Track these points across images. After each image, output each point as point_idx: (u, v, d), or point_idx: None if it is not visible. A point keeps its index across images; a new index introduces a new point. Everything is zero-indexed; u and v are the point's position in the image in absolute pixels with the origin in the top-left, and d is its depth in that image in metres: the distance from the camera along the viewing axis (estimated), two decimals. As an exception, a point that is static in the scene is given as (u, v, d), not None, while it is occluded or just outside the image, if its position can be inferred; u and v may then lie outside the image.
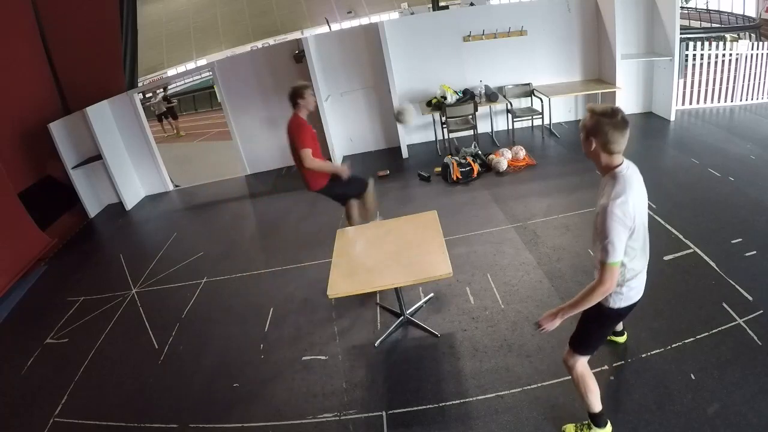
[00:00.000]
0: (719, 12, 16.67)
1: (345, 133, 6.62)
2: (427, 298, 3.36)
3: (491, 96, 5.92)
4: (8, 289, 4.53)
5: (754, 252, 3.23)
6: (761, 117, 5.99)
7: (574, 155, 5.42)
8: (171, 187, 6.85)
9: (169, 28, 24.31)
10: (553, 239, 3.82)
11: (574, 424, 2.21)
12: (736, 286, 2.94)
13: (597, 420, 2.13)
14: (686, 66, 6.43)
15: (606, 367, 2.53)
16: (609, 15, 5.66)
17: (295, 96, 3.43)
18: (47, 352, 3.63)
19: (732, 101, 6.52)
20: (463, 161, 5.26)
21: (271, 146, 6.55)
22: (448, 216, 4.21)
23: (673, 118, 5.97)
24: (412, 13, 17.70)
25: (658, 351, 2.58)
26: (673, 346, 2.59)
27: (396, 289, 2.95)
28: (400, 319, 3.16)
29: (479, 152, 5.46)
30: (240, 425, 2.66)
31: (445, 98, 5.77)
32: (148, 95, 11.92)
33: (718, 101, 6.51)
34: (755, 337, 2.55)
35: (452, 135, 6.03)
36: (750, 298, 2.83)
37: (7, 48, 5.51)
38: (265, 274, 4.13)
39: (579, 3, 5.92)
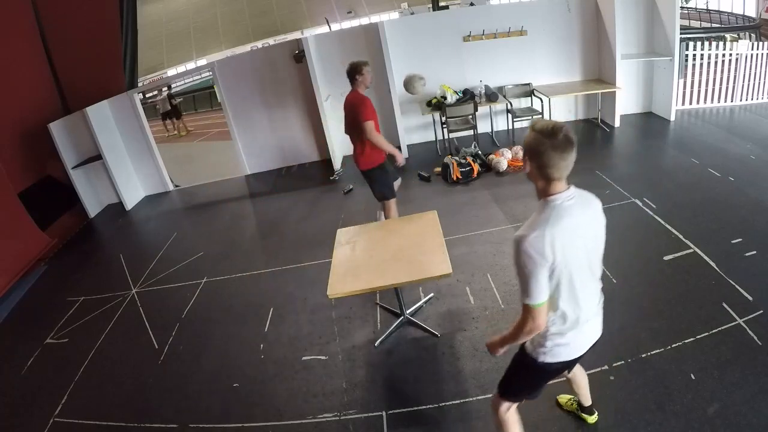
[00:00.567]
0: (719, 12, 16.67)
1: (345, 133, 6.62)
2: (427, 298, 3.36)
3: (491, 96, 5.92)
4: (8, 289, 4.53)
5: (754, 252, 3.24)
6: (761, 117, 5.99)
7: (573, 155, 5.42)
8: (171, 187, 6.84)
9: (169, 28, 24.35)
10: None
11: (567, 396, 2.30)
12: (736, 286, 2.94)
13: None
14: (686, 66, 6.43)
15: (606, 367, 2.53)
16: (609, 15, 5.66)
17: (354, 72, 3.50)
18: (47, 352, 3.63)
19: (732, 101, 6.52)
20: (463, 161, 5.26)
21: (271, 146, 6.56)
22: (448, 216, 4.21)
23: (673, 118, 5.97)
24: (412, 13, 17.72)
25: (658, 351, 2.58)
26: (673, 346, 2.59)
27: (396, 289, 2.95)
28: (400, 319, 3.17)
29: (479, 152, 5.46)
30: (240, 425, 2.66)
31: (445, 98, 5.77)
32: (153, 93, 11.90)
33: (718, 101, 6.51)
34: (755, 337, 2.55)
35: (452, 135, 6.04)
36: (750, 298, 2.83)
37: (7, 48, 5.51)
38: (265, 274, 4.13)
39: (579, 3, 5.93)
